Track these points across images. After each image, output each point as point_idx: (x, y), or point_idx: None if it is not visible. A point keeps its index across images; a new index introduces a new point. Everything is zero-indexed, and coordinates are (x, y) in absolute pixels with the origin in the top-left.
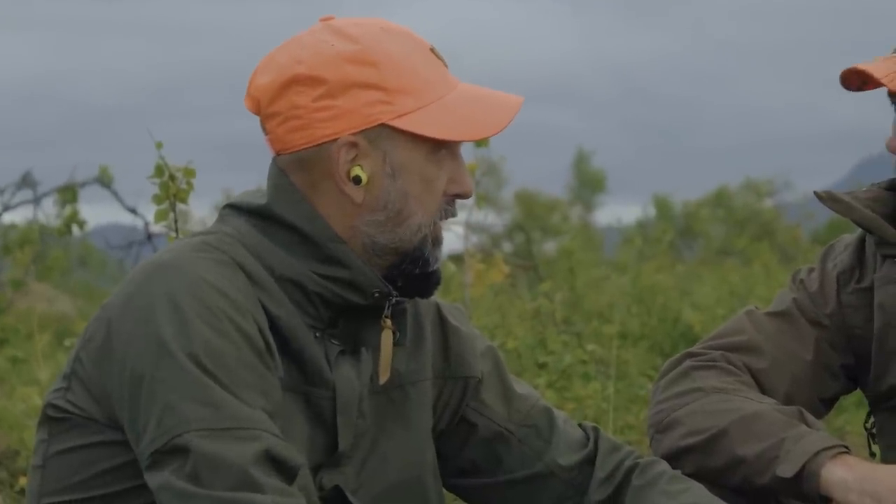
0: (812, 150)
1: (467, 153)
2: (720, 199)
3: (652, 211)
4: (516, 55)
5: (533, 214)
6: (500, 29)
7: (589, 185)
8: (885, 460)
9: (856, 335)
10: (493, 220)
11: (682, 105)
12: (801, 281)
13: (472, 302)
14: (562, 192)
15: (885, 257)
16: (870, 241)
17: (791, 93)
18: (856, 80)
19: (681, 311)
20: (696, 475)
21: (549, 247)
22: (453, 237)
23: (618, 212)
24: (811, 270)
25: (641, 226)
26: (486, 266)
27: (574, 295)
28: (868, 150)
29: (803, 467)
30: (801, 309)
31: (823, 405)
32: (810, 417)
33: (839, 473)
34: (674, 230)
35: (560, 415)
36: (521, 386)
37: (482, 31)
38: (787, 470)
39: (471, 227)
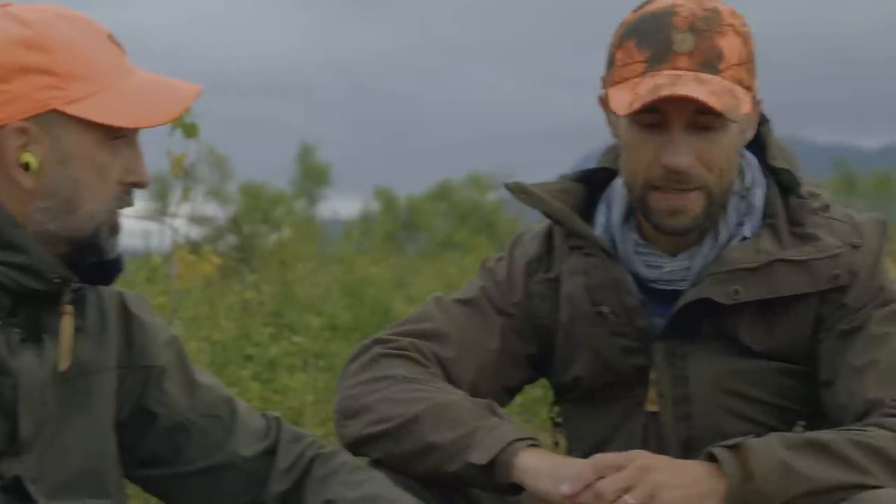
0: (536, 145)
1: (182, 143)
2: (443, 192)
3: (375, 204)
4: (241, 49)
5: (258, 207)
6: (225, 23)
7: (313, 178)
8: (569, 449)
9: (542, 325)
10: (217, 212)
11: (407, 101)
12: (490, 269)
13: (180, 294)
14: (287, 185)
15: (572, 249)
16: (558, 232)
17: (514, 89)
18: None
19: (392, 303)
20: (385, 462)
21: (274, 239)
22: (166, 229)
23: (343, 206)
24: (500, 259)
25: (365, 219)
26: (197, 258)
27: (286, 287)
28: (590, 144)
29: (496, 456)
30: (489, 297)
31: (507, 393)
32: (500, 411)
33: (532, 462)
34: (396, 223)
35: (242, 405)
36: (204, 376)
37: (206, 25)
38: (480, 457)
39: (193, 219)
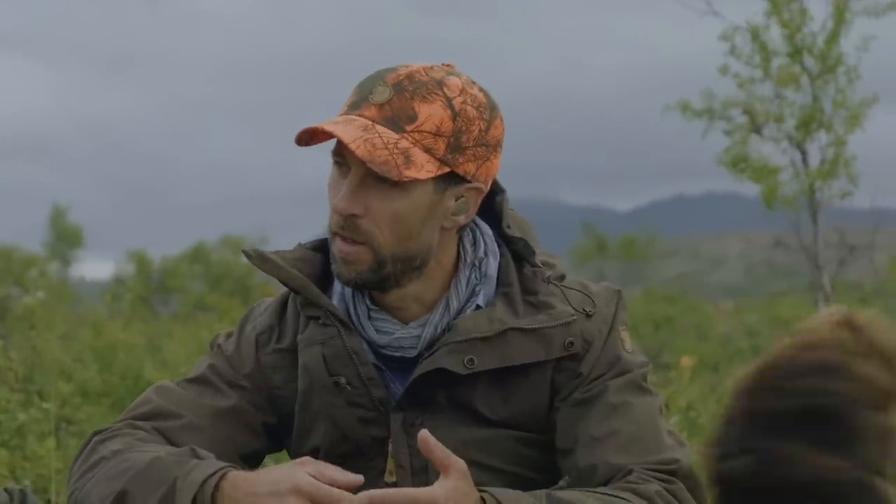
0: (289, 206)
1: None
2: (198, 254)
3: (128, 266)
4: None
5: (10, 270)
6: None
7: (66, 240)
8: None
9: (277, 395)
10: None
11: (160, 162)
12: (219, 346)
13: None
14: (39, 247)
15: (309, 318)
16: (294, 301)
17: (266, 150)
18: (306, 136)
19: (143, 368)
20: None
21: (25, 302)
22: None
23: (97, 268)
24: (229, 335)
25: (119, 281)
26: None
27: (36, 353)
28: None
29: (194, 501)
30: (218, 373)
31: (246, 462)
32: (202, 452)
33: (226, 493)
34: (150, 286)
35: None
36: None
37: None
38: None
39: None
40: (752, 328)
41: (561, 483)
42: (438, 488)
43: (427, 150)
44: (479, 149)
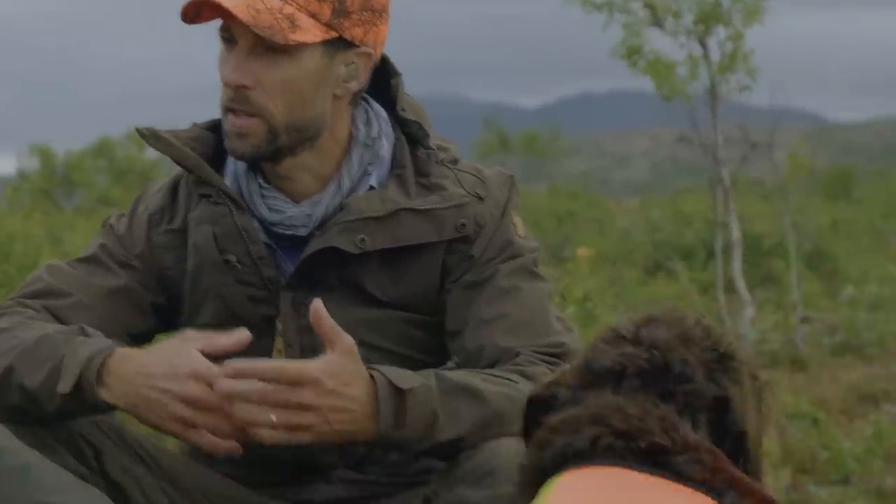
0: (192, 102)
1: None
2: (103, 149)
3: (31, 161)
4: None
5: None
6: None
7: None
8: None
9: (167, 275)
10: None
11: (61, 56)
12: (111, 226)
13: None
14: None
15: (202, 197)
16: (185, 181)
17: (170, 45)
18: (192, 10)
19: (41, 258)
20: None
21: None
22: None
23: (1, 162)
24: (121, 216)
25: (22, 176)
26: None
27: None
28: None
29: (80, 378)
30: (109, 253)
31: (135, 341)
32: (91, 330)
33: (113, 371)
34: (54, 180)
35: None
36: None
37: None
38: (65, 385)
39: None
40: (655, 224)
41: (449, 364)
42: (316, 362)
43: (312, 16)
44: (364, 13)
